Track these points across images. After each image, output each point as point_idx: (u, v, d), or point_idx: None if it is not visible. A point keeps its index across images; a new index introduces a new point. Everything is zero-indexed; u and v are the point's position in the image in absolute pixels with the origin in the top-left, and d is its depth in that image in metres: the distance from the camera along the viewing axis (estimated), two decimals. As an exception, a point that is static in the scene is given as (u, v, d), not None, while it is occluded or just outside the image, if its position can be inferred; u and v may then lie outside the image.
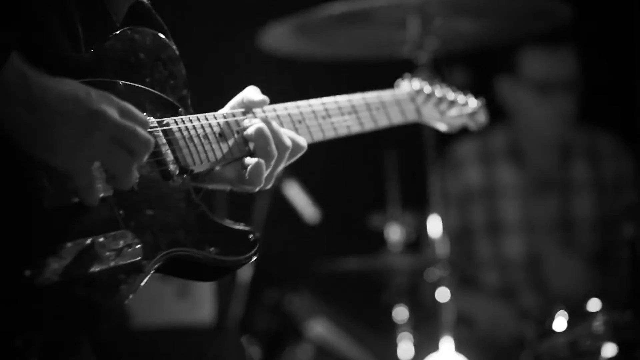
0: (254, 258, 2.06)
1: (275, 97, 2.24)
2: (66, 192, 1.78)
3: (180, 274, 2.00)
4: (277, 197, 4.18)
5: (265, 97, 2.16)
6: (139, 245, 1.85)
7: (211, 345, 2.55)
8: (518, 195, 4.70)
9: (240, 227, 2.06)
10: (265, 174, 2.08)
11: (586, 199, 4.68)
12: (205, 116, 2.06)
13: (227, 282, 4.16)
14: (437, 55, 3.77)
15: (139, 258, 1.84)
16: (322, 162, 4.61)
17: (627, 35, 4.96)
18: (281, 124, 2.17)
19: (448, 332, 3.82)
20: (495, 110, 4.54)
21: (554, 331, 3.27)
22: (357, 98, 2.40)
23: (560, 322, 3.27)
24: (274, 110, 2.19)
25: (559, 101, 4.59)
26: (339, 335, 4.49)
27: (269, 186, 2.13)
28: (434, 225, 3.92)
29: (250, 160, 2.07)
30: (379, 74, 2.56)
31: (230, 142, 2.08)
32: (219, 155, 2.06)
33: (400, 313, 4.14)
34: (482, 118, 2.78)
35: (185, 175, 1.99)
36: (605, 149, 4.73)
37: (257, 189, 2.10)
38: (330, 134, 2.31)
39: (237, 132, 2.10)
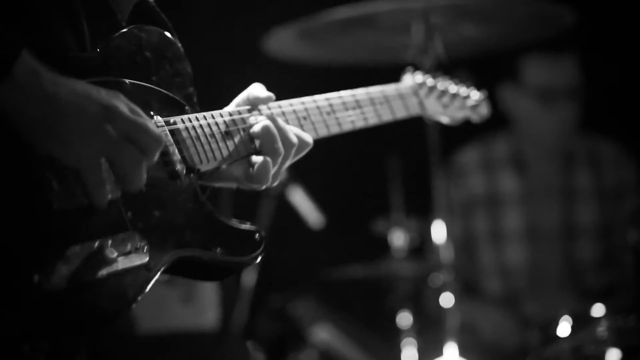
0: (260, 258, 2.06)
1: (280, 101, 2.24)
2: (75, 193, 1.77)
3: (185, 274, 2.00)
4: (282, 203, 4.19)
5: (271, 94, 2.16)
6: (146, 248, 1.84)
7: (216, 350, 2.54)
8: (521, 203, 4.70)
9: (246, 226, 2.05)
10: (272, 171, 2.08)
11: (589, 206, 4.68)
12: (212, 114, 2.06)
13: (231, 287, 4.15)
14: (441, 61, 3.77)
15: (146, 260, 1.84)
16: (326, 168, 4.62)
17: (630, 41, 4.97)
18: (287, 121, 2.17)
19: (452, 337, 3.82)
20: (498, 117, 4.54)
21: (557, 337, 3.26)
22: (361, 93, 2.40)
23: (564, 328, 3.26)
24: (279, 106, 2.19)
25: (561, 109, 4.59)
26: (343, 341, 4.49)
27: (275, 183, 2.13)
28: (438, 231, 3.92)
29: (257, 159, 2.07)
30: (383, 79, 2.56)
31: (237, 140, 2.08)
32: (225, 153, 2.05)
33: (404, 318, 4.13)
34: (484, 110, 2.77)
35: (192, 175, 1.99)
36: (607, 156, 4.73)
37: (264, 186, 2.10)
38: (335, 130, 2.31)
39: (243, 129, 2.09)
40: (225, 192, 2.17)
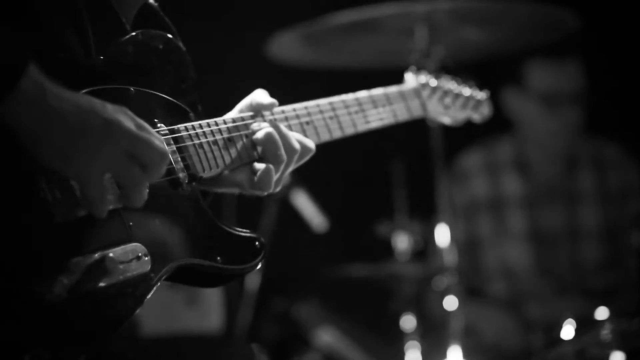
0: (260, 265, 2.06)
1: (283, 105, 2.25)
2: (77, 204, 1.77)
3: (186, 281, 2.00)
4: (285, 206, 4.19)
5: (274, 100, 2.15)
6: (147, 257, 1.84)
7: (220, 353, 2.54)
8: (524, 206, 4.70)
9: (246, 233, 2.05)
10: (275, 178, 2.08)
11: (592, 209, 4.68)
12: (215, 121, 2.06)
13: (235, 290, 4.16)
14: (444, 65, 3.77)
15: (147, 270, 1.84)
16: (329, 171, 4.62)
17: (633, 45, 4.98)
18: (289, 127, 2.18)
19: (456, 340, 3.82)
20: (501, 121, 4.55)
21: (561, 339, 3.26)
22: (363, 95, 2.40)
23: (567, 330, 3.27)
24: (283, 112, 2.19)
25: (565, 113, 4.59)
26: (347, 344, 4.49)
27: (277, 189, 2.13)
28: (441, 234, 3.92)
29: (259, 166, 2.08)
30: (386, 83, 2.56)
31: (239, 146, 2.08)
32: (227, 160, 2.06)
33: (408, 321, 4.13)
34: (486, 110, 2.77)
35: (194, 183, 1.99)
36: (610, 158, 4.73)
37: (266, 193, 2.10)
38: (337, 134, 2.31)
39: (246, 136, 2.10)
40: (228, 195, 2.17)
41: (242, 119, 2.11)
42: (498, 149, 4.78)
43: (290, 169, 2.14)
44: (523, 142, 4.74)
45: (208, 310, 3.97)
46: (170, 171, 1.93)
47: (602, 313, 3.26)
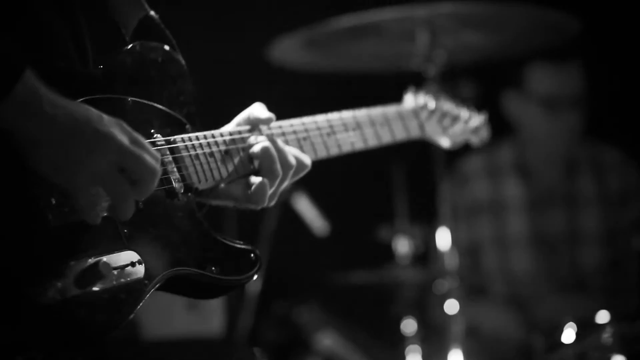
0: (255, 277, 2.06)
1: (284, 110, 2.25)
2: (72, 210, 1.78)
3: (180, 292, 2.00)
4: (286, 210, 4.19)
5: (271, 115, 2.16)
6: (141, 265, 1.85)
7: (222, 357, 2.54)
8: (525, 209, 4.70)
9: (242, 245, 2.06)
10: (269, 192, 2.09)
11: (592, 212, 4.69)
12: (212, 133, 2.07)
13: (236, 294, 4.16)
14: (445, 69, 3.78)
15: (141, 276, 1.85)
16: (330, 175, 4.62)
17: (634, 49, 4.98)
18: (286, 141, 2.18)
19: (456, 344, 3.82)
20: (502, 124, 4.55)
21: (562, 343, 3.26)
22: (361, 114, 2.41)
23: (568, 334, 3.26)
24: (280, 127, 2.20)
25: (565, 117, 4.60)
26: (348, 348, 4.49)
27: (272, 204, 2.14)
28: (442, 238, 3.92)
29: (254, 180, 2.08)
30: (388, 87, 2.57)
31: (236, 160, 2.09)
32: (224, 173, 2.07)
33: (409, 325, 4.14)
34: (484, 134, 2.79)
35: (189, 194, 2.00)
36: (610, 162, 4.74)
37: (260, 207, 2.11)
38: (334, 151, 2.32)
39: (243, 149, 2.11)
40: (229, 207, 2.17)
41: (240, 132, 2.12)
42: (499, 153, 4.78)
43: (285, 184, 2.15)
44: (523, 146, 4.74)
45: (209, 314, 3.97)
46: (166, 180, 1.95)
47: (603, 316, 3.25)
